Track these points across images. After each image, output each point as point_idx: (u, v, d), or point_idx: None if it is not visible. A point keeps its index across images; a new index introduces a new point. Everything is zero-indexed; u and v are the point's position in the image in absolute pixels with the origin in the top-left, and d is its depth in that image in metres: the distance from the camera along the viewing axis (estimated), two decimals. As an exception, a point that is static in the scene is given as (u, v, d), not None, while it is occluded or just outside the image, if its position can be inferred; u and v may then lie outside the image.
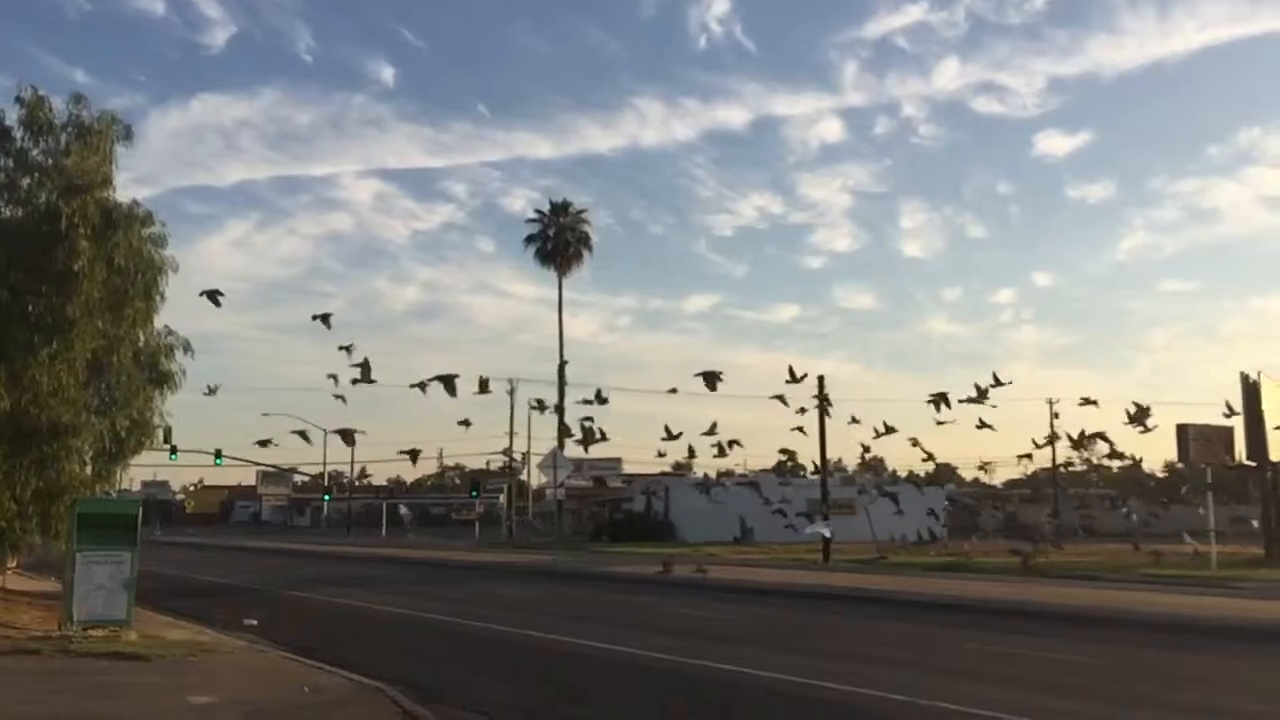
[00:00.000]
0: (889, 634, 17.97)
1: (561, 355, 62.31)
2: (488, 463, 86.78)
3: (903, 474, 59.90)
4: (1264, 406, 35.48)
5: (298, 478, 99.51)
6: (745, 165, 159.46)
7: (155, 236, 18.26)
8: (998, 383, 30.73)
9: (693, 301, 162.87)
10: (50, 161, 17.75)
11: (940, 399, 31.42)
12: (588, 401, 32.03)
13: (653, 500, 64.83)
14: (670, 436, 34.88)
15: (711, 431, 34.70)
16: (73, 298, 16.54)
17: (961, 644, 15.97)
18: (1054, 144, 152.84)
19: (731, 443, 35.16)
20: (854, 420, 36.08)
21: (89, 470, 17.75)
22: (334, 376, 26.96)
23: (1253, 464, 37.00)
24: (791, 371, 34.42)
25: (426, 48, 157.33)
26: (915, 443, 35.53)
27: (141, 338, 18.17)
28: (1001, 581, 28.37)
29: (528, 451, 68.33)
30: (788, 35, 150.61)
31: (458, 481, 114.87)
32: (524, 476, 79.17)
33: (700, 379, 29.76)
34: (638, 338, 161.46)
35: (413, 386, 27.64)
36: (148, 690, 10.76)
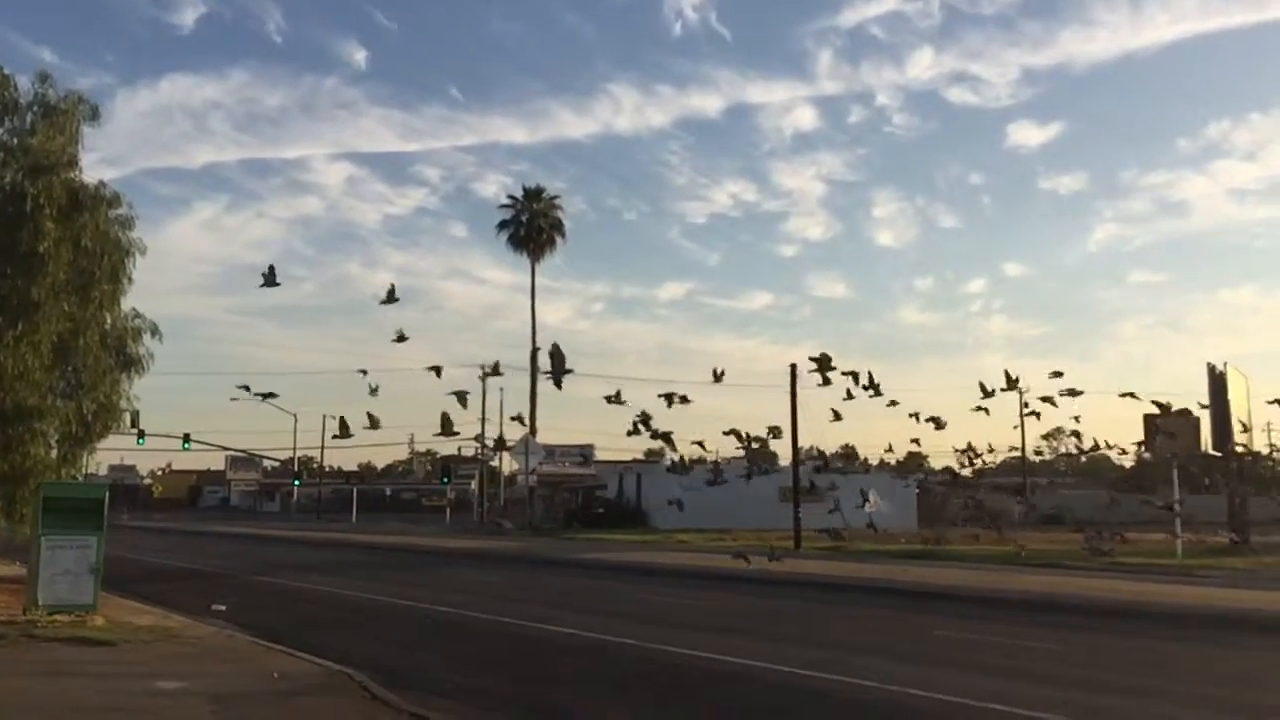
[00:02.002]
0: (861, 620, 18.13)
1: (534, 342, 62.22)
2: (459, 448, 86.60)
3: (870, 465, 60.22)
4: (1230, 397, 35.91)
5: (267, 463, 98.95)
6: (719, 153, 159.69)
7: (122, 218, 18.10)
8: (1058, 375, 31.43)
9: (666, 289, 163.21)
10: (15, 141, 17.53)
11: (1013, 385, 32.18)
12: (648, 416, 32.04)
13: (625, 487, 64.89)
14: (742, 437, 36.00)
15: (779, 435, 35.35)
16: (38, 279, 16.36)
17: (933, 630, 16.11)
18: (1026, 135, 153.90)
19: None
20: (893, 403, 36.43)
21: (55, 454, 17.58)
22: (364, 371, 27.55)
23: (1218, 454, 37.45)
24: (854, 374, 34.78)
25: (399, 30, 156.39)
26: (940, 425, 35.94)
27: (109, 320, 18.02)
28: (975, 569, 28.64)
29: (500, 437, 68.26)
30: (762, 23, 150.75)
31: (429, 467, 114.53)
32: (495, 462, 79.05)
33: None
34: (611, 324, 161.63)
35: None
36: (114, 676, 10.67)
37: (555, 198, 67.52)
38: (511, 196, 67.66)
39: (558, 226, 66.69)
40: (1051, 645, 14.52)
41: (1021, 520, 50.45)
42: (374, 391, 26.59)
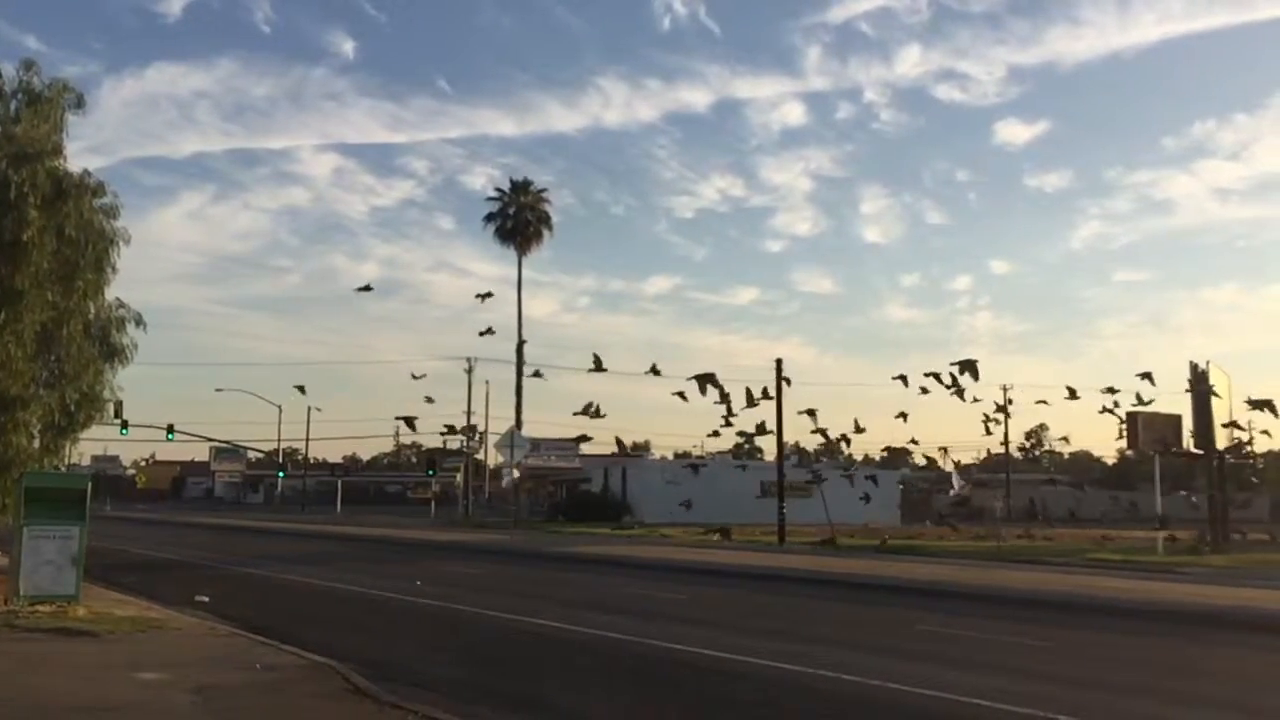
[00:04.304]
0: (844, 615, 18.21)
1: (520, 335, 62.14)
2: (444, 441, 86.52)
3: (856, 460, 60.63)
4: (1211, 396, 36.13)
5: (251, 454, 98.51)
6: (707, 147, 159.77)
7: (107, 207, 18.01)
8: (1043, 402, 32.84)
9: (653, 283, 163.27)
10: (-1, 129, 17.41)
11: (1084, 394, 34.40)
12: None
13: (610, 481, 64.99)
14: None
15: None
16: (21, 268, 16.28)
17: (914, 625, 16.19)
18: (1013, 132, 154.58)
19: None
20: (1006, 404, 37.71)
21: (37, 444, 17.51)
22: (417, 375, 28.89)
23: (1200, 452, 37.70)
24: (970, 370, 36.20)
25: (387, 21, 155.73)
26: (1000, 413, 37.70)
27: (92, 310, 17.93)
28: (958, 565, 28.76)
29: (485, 430, 68.24)
30: (751, 18, 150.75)
31: (414, 460, 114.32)
32: (480, 455, 78.93)
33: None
34: (597, 318, 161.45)
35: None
36: (96, 667, 10.64)
37: (543, 191, 67.46)
38: (499, 189, 67.56)
39: (545, 220, 66.61)
40: (1035, 641, 14.62)
41: (1003, 516, 50.68)
42: (430, 401, 27.55)
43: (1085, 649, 14.29)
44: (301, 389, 48.45)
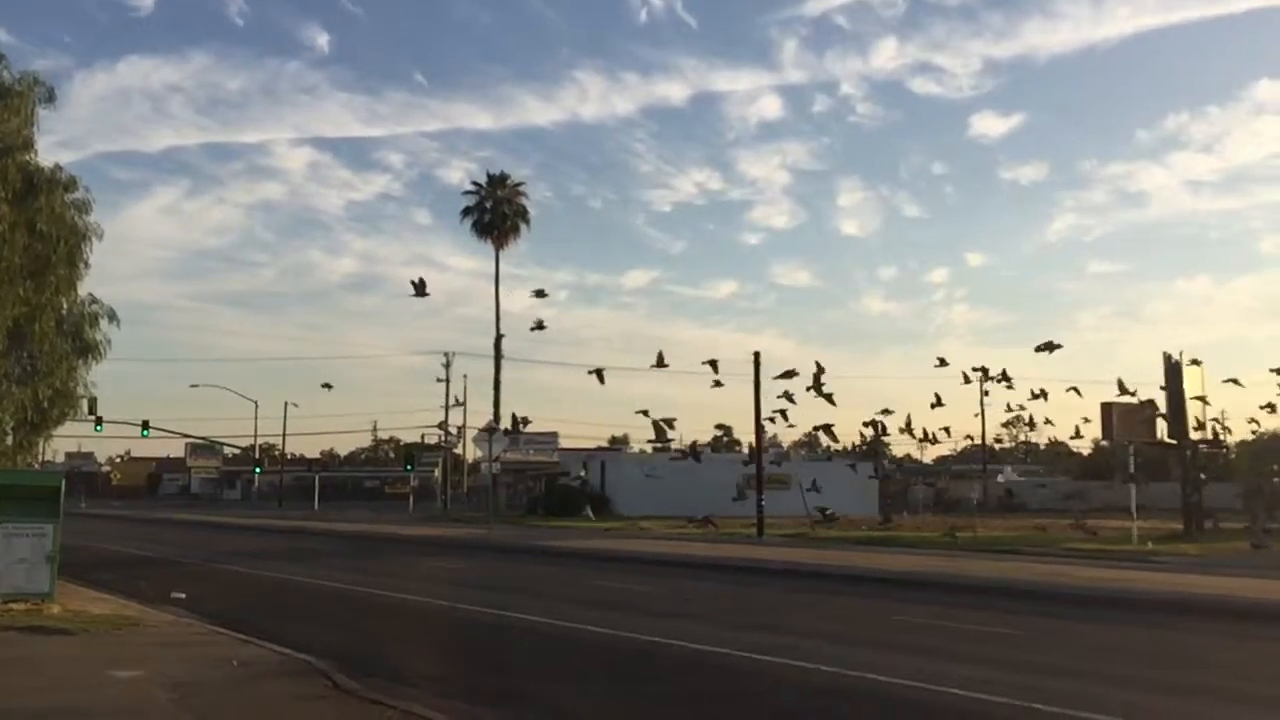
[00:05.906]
0: (824, 607, 18.26)
1: (498, 329, 62.07)
2: (422, 436, 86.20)
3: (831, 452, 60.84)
4: (1185, 386, 36.45)
5: (228, 450, 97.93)
6: (685, 141, 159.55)
7: (79, 202, 17.89)
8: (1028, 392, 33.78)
9: (631, 277, 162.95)
10: (-32, 124, 17.22)
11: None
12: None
13: (588, 475, 64.97)
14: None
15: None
16: (-8, 263, 16.13)
17: (891, 616, 16.27)
18: (988, 125, 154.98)
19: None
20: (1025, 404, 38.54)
21: (10, 441, 17.38)
22: (442, 378, 29.29)
23: (1174, 442, 38.03)
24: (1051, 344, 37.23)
25: (363, 14, 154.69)
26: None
27: (65, 305, 17.81)
28: (933, 555, 28.93)
29: (463, 425, 68.07)
30: (728, 11, 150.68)
31: (392, 455, 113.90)
32: (459, 450, 78.71)
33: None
34: (575, 312, 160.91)
35: None
36: (71, 664, 10.57)
37: (520, 185, 67.35)
38: (475, 183, 67.42)
39: (522, 214, 66.51)
40: (1012, 630, 14.71)
41: (980, 506, 51.12)
42: (468, 405, 27.69)
43: (1062, 638, 14.41)
44: (328, 386, 47.81)
